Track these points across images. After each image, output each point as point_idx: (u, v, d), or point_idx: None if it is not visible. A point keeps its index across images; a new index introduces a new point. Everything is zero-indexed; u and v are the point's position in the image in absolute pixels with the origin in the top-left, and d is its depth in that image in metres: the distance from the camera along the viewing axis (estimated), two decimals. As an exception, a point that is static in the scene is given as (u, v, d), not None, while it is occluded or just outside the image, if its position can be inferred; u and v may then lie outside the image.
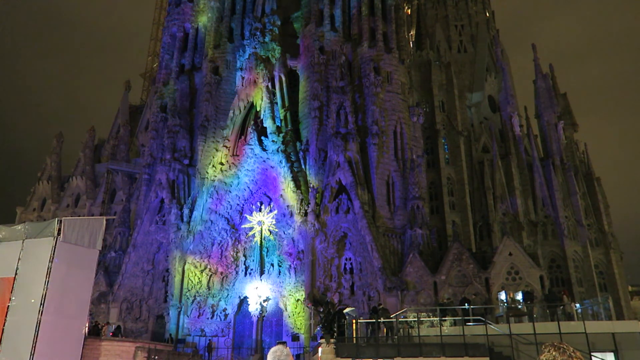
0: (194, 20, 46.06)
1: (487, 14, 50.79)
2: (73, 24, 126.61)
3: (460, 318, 20.35)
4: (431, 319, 21.98)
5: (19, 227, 10.28)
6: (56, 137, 54.02)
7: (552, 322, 18.84)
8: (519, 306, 23.75)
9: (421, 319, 20.92)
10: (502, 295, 26.74)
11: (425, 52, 45.96)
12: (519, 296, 25.72)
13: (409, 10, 52.75)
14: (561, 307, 21.55)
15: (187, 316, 35.09)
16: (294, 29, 42.26)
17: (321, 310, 25.19)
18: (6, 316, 9.36)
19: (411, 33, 51.14)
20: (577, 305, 24.68)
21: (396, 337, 19.96)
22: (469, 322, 20.10)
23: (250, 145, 37.61)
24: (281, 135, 36.93)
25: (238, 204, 37.10)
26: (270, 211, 35.57)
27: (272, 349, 4.21)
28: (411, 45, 48.39)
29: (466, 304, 23.13)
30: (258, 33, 39.38)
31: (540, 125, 45.08)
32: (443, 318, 20.43)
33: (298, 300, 33.12)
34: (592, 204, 41.56)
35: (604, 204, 42.00)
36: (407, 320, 21.90)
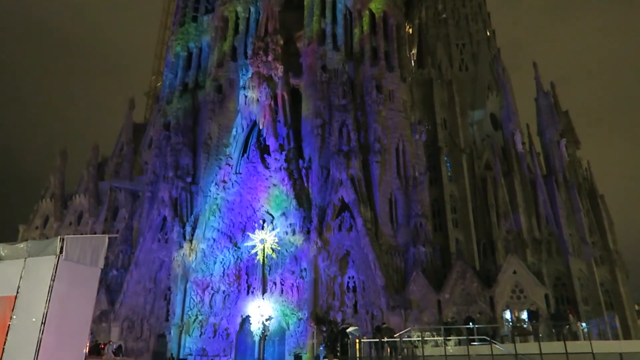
0: (198, 40, 46.66)
1: (488, 33, 51.25)
2: (78, 43, 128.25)
3: (465, 337, 20.12)
4: (435, 338, 21.73)
5: (22, 246, 10.23)
6: (60, 155, 54.28)
7: (559, 341, 18.60)
8: (524, 325, 23.48)
9: (425, 338, 20.69)
10: (507, 314, 26.48)
11: (427, 70, 46.24)
12: (524, 315, 25.45)
13: (410, 30, 53.32)
14: (567, 326, 21.29)
15: (189, 335, 34.77)
16: (297, 47, 42.71)
17: (324, 329, 24.99)
18: (7, 335, 9.26)
19: (413, 52, 51.58)
20: (584, 324, 24.38)
21: (400, 356, 19.71)
22: (474, 341, 19.86)
23: (253, 162, 37.72)
24: (284, 152, 37.03)
25: (240, 222, 37.02)
26: (273, 229, 35.46)
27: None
28: (413, 63, 48.78)
29: (471, 323, 22.89)
30: (261, 52, 39.77)
31: (542, 143, 45.06)
32: (447, 337, 20.20)
33: (301, 319, 32.81)
34: (597, 222, 41.29)
35: (608, 221, 41.70)
36: (411, 340, 21.65)
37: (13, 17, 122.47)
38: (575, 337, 20.73)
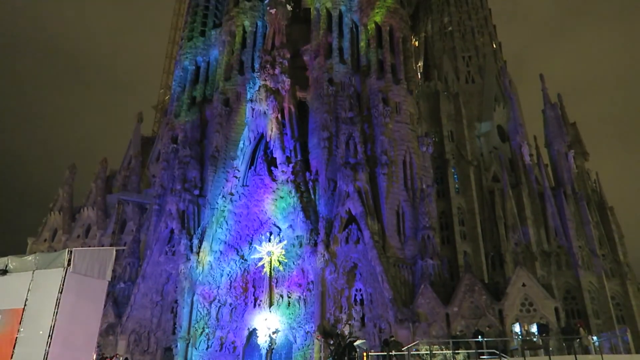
0: (206, 54, 47.17)
1: (494, 46, 51.39)
2: (87, 58, 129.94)
3: (474, 351, 19.90)
4: (444, 352, 21.50)
5: (30, 258, 10.28)
6: (69, 169, 54.72)
7: (569, 355, 18.34)
8: (534, 339, 23.16)
9: (434, 352, 20.48)
10: (517, 328, 26.13)
11: (433, 82, 46.42)
12: (534, 328, 25.11)
13: (417, 43, 53.61)
14: (577, 340, 20.98)
15: (196, 349, 34.60)
16: (304, 61, 43.01)
17: (331, 342, 24.76)
18: (14, 348, 9.28)
19: (419, 64, 51.80)
20: (595, 338, 24.04)
21: (408, 371, 19.51)
22: (483, 355, 19.64)
23: (260, 175, 37.81)
24: (291, 165, 37.11)
25: (247, 234, 37.00)
26: (280, 241, 35.40)
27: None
28: (419, 76, 48.96)
29: (480, 337, 22.63)
30: (268, 66, 40.08)
31: (550, 155, 44.90)
32: (456, 351, 19.98)
33: (308, 332, 32.58)
34: (606, 234, 40.89)
35: (618, 233, 41.29)
36: (419, 354, 21.44)
37: (24, 34, 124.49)
38: (586, 351, 20.42)
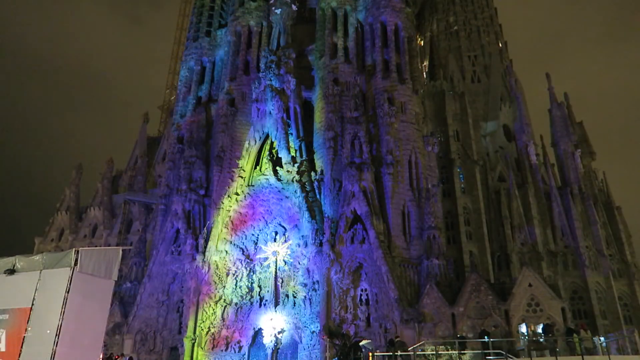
0: (211, 54, 47.26)
1: (500, 45, 51.18)
2: (93, 59, 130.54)
3: (480, 351, 19.84)
4: (450, 352, 21.46)
5: (37, 258, 10.33)
6: (75, 169, 55.06)
7: (577, 356, 18.25)
8: (540, 339, 23.07)
9: (439, 352, 20.43)
10: (523, 328, 26.01)
11: (439, 82, 46.28)
12: (540, 329, 25.00)
13: (422, 42, 53.52)
14: (579, 340, 20.85)
15: (201, 348, 34.69)
16: (309, 61, 43.04)
17: (337, 342, 24.80)
18: (22, 347, 9.34)
19: (424, 64, 51.69)
20: (602, 338, 23.91)
21: (414, 371, 19.47)
22: (489, 355, 19.57)
23: (266, 175, 37.86)
24: (296, 165, 37.13)
25: (253, 234, 37.08)
26: (285, 241, 35.45)
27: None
28: (424, 75, 48.83)
29: (486, 337, 22.56)
30: (273, 66, 40.12)
31: (556, 154, 44.70)
32: (462, 351, 19.92)
33: (313, 332, 32.58)
34: (613, 234, 40.65)
35: (626, 233, 41.06)
36: (425, 354, 21.40)
37: (26, 37, 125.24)
38: (589, 352, 20.31)
